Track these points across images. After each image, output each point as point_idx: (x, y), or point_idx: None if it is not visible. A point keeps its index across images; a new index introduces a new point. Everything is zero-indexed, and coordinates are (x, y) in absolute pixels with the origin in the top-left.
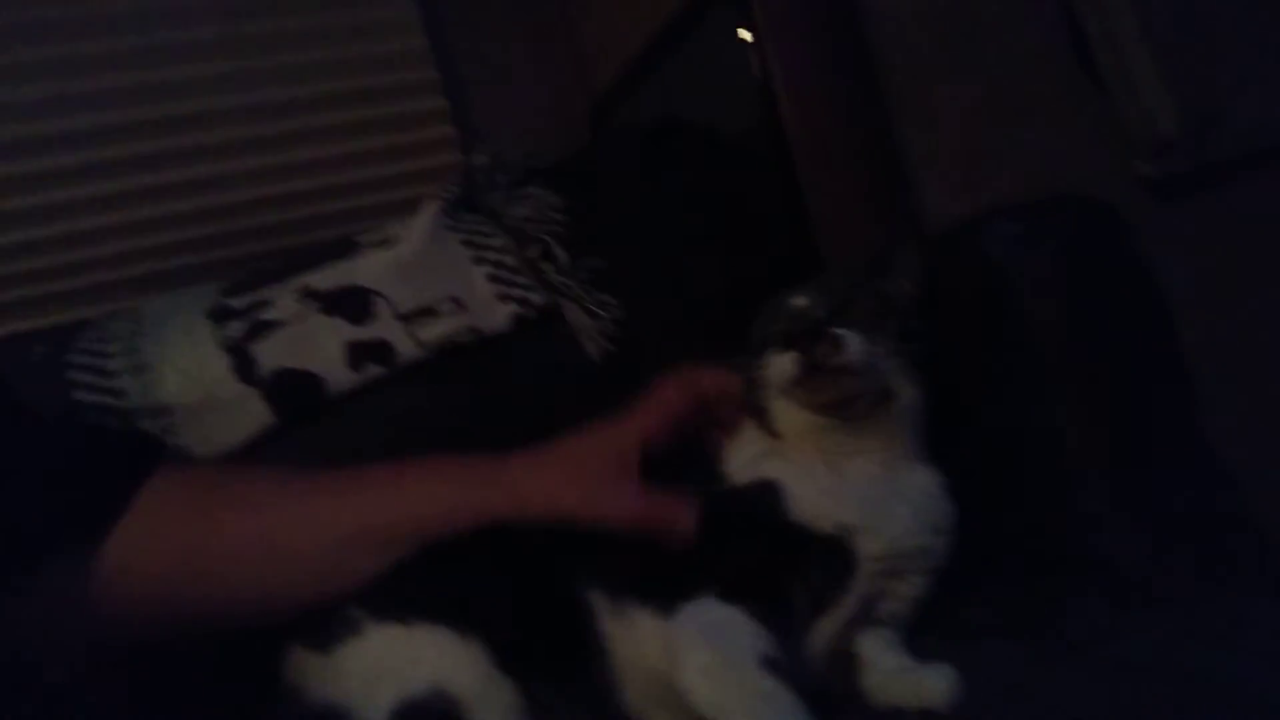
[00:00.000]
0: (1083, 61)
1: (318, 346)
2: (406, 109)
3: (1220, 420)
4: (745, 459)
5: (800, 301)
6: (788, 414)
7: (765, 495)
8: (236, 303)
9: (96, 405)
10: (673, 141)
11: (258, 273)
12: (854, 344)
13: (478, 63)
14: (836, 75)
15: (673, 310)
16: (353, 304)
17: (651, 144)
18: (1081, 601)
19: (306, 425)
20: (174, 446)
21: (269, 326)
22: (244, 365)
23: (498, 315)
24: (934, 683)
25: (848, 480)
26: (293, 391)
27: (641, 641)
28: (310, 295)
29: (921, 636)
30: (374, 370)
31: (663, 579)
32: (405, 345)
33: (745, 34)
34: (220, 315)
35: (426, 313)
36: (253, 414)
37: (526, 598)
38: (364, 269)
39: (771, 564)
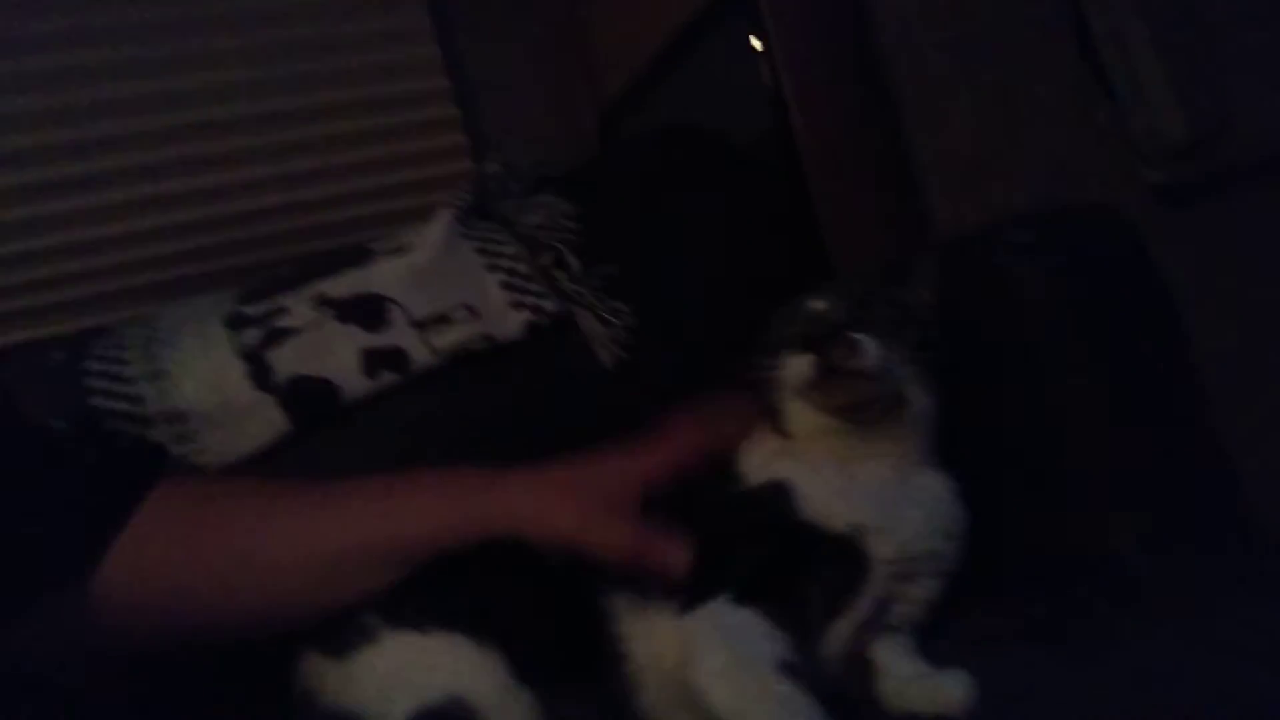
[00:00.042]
0: (1092, 69)
1: (333, 354)
2: (417, 117)
3: (1230, 425)
4: (758, 459)
5: (818, 304)
6: (801, 415)
7: (778, 496)
8: (253, 310)
9: (113, 411)
10: (684, 149)
11: (273, 280)
12: (871, 349)
13: (488, 71)
14: (846, 84)
15: (683, 317)
16: (368, 311)
17: (663, 151)
18: (1094, 607)
19: (322, 432)
20: (175, 456)
21: (285, 334)
22: (260, 372)
23: (511, 323)
24: (950, 689)
25: (859, 482)
26: (308, 398)
27: (660, 642)
28: (326, 303)
29: (935, 642)
30: (389, 377)
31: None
32: (419, 352)
33: (756, 42)
34: (237, 322)
35: (440, 320)
36: (268, 421)
37: (543, 603)
38: (379, 276)
39: (785, 565)
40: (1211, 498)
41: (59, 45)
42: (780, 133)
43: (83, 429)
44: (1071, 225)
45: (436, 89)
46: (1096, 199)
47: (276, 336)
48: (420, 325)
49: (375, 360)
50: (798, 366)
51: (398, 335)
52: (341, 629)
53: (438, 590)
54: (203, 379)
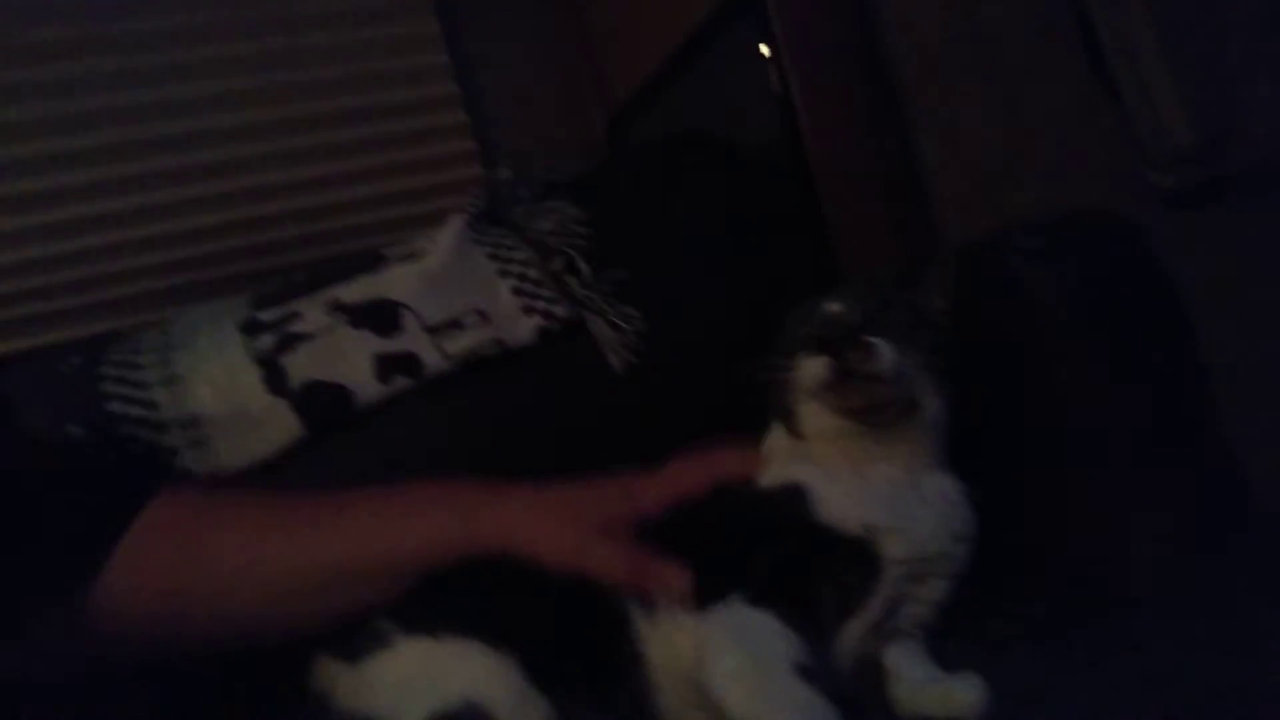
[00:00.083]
0: (1099, 74)
1: (347, 359)
2: (428, 124)
3: (1241, 429)
4: (773, 461)
5: (834, 307)
6: (815, 417)
7: (794, 497)
8: (267, 315)
9: (129, 417)
10: (693, 154)
11: (287, 285)
12: (886, 352)
13: (498, 78)
14: (855, 89)
15: (693, 322)
16: (381, 317)
17: (672, 157)
18: (1104, 610)
19: (335, 437)
20: (181, 464)
21: (299, 339)
22: (274, 377)
23: (522, 328)
24: (963, 693)
25: (872, 484)
26: (322, 403)
27: (677, 643)
28: (339, 308)
29: (945, 646)
30: (402, 382)
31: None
32: (432, 357)
33: (764, 49)
34: (251, 328)
35: (453, 325)
36: (283, 426)
37: (558, 607)
38: (392, 282)
39: (800, 566)
40: (1220, 500)
41: (73, 52)
42: (788, 138)
43: (99, 434)
44: (1081, 230)
45: (447, 95)
46: (1104, 203)
47: (290, 342)
48: (433, 330)
49: (388, 365)
50: (813, 368)
51: (410, 340)
52: (356, 634)
53: (452, 596)
54: (217, 384)
